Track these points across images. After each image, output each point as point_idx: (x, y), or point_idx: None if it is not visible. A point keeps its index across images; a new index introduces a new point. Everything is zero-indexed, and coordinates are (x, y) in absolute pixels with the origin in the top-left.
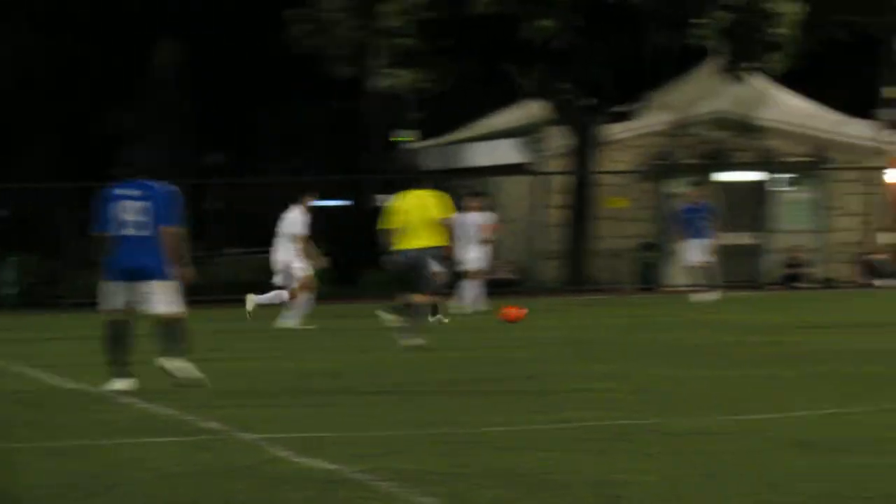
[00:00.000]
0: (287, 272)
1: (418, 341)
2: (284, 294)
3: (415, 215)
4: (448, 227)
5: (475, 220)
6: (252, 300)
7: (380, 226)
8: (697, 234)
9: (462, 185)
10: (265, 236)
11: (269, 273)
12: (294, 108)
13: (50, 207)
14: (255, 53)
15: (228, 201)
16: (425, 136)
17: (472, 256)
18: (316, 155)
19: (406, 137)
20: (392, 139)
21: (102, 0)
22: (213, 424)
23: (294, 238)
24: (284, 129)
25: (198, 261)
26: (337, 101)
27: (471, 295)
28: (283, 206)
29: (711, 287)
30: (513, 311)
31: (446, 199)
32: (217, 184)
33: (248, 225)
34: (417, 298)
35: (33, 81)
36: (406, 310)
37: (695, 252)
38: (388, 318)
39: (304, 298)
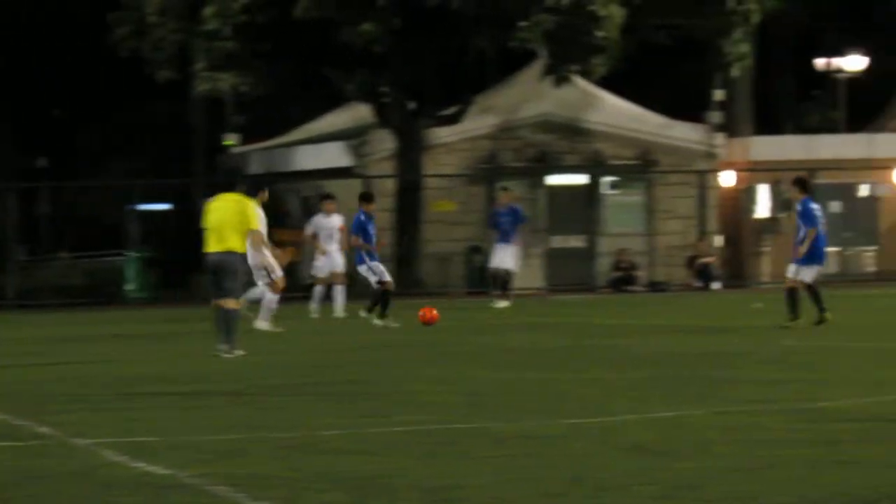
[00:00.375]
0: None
1: (238, 351)
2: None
3: (223, 218)
4: (256, 237)
5: (334, 222)
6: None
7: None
8: (504, 238)
9: (288, 189)
10: (96, 240)
11: (101, 276)
12: (121, 111)
13: None
14: (79, 56)
15: (57, 205)
16: (252, 140)
17: (337, 261)
18: (143, 158)
19: (231, 141)
20: (219, 143)
21: None
22: (46, 430)
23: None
24: (112, 132)
25: (28, 265)
26: (163, 105)
27: (340, 299)
28: (112, 209)
29: (505, 294)
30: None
31: (253, 207)
32: (43, 188)
33: (78, 229)
34: (228, 304)
35: None
36: (225, 315)
37: (503, 256)
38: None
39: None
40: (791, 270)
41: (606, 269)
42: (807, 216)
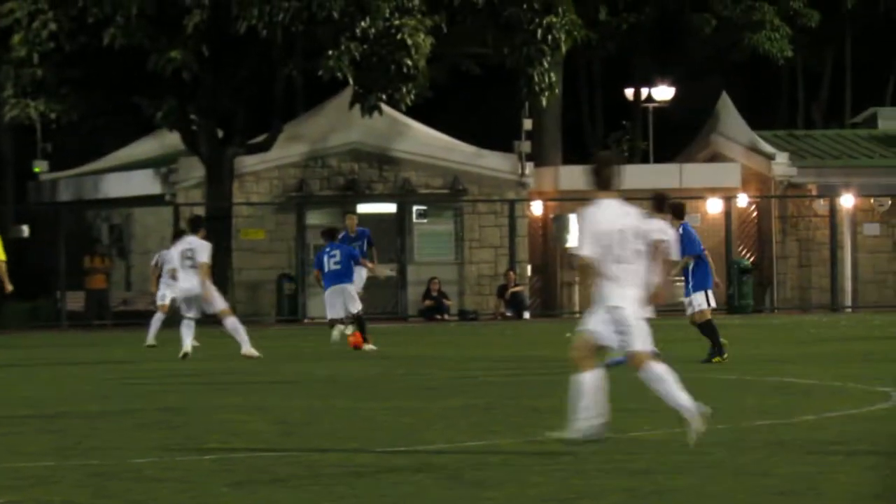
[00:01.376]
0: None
1: None
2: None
3: None
4: None
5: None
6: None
7: None
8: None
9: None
10: None
11: None
12: None
13: None
14: None
15: None
16: (62, 167)
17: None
18: None
19: (40, 168)
20: (28, 169)
21: None
22: None
23: (203, 266)
24: None
25: None
26: None
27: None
28: None
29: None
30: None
31: None
32: None
33: None
34: None
35: None
36: None
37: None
38: None
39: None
40: (693, 304)
41: (417, 298)
42: (689, 242)
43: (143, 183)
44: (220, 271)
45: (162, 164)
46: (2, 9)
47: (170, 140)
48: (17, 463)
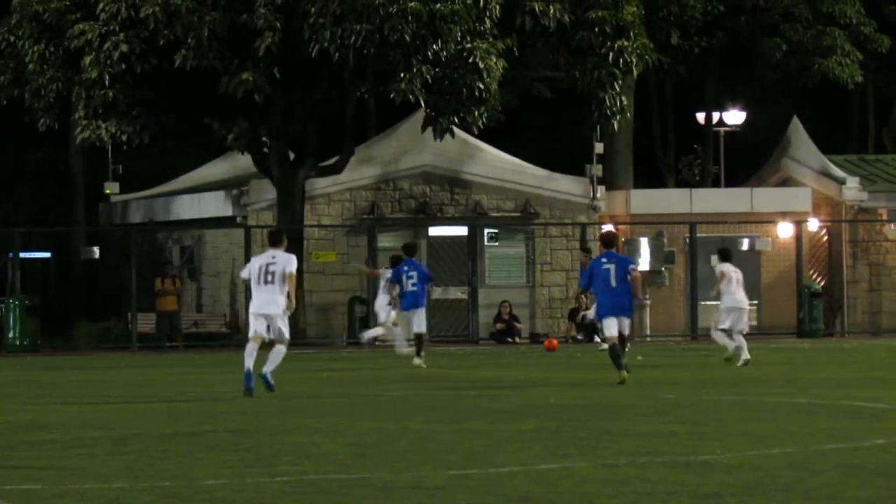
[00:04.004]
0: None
1: None
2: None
3: None
4: None
5: None
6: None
7: None
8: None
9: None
10: None
11: None
12: (3, 157)
13: None
14: None
15: None
16: (133, 189)
17: None
18: (23, 205)
19: (112, 189)
20: (100, 191)
21: None
22: None
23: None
24: None
25: None
26: (44, 152)
27: None
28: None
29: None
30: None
31: None
32: None
33: None
34: None
35: None
36: None
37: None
38: None
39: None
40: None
41: (488, 321)
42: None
43: (215, 205)
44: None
45: (233, 186)
46: (73, 30)
47: (241, 162)
48: (88, 484)
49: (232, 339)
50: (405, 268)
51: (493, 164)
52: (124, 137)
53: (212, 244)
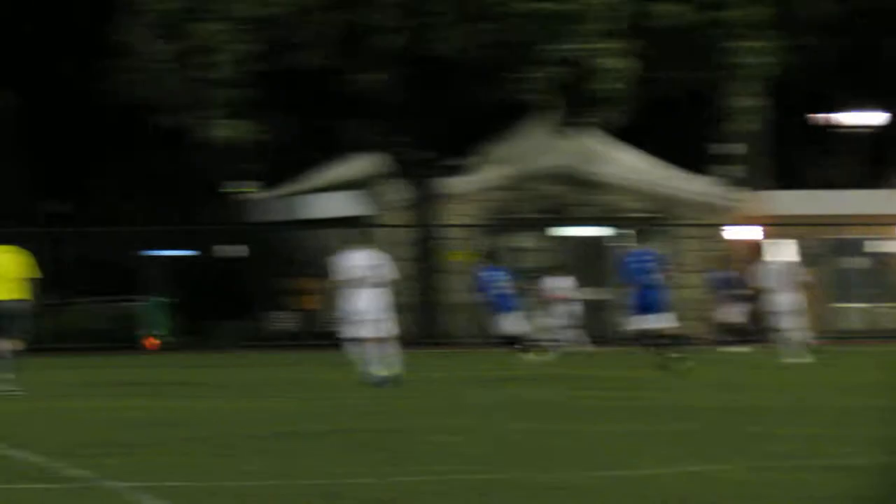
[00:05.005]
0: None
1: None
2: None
3: (8, 269)
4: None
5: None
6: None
7: None
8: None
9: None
10: (115, 285)
11: (121, 321)
12: (136, 157)
13: None
14: (93, 102)
15: (77, 249)
16: (268, 188)
17: None
18: (158, 204)
19: (246, 189)
20: (232, 190)
21: None
22: (80, 472)
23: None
24: (127, 177)
25: (55, 309)
26: (178, 151)
27: None
28: (130, 254)
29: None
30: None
31: (31, 258)
32: (65, 232)
33: (96, 273)
34: (14, 345)
35: None
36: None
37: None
38: None
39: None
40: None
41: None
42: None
43: (348, 204)
44: (427, 293)
45: (365, 185)
46: (206, 30)
47: (374, 162)
48: (239, 482)
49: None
50: (492, 273)
51: (627, 164)
52: (256, 136)
53: (347, 243)
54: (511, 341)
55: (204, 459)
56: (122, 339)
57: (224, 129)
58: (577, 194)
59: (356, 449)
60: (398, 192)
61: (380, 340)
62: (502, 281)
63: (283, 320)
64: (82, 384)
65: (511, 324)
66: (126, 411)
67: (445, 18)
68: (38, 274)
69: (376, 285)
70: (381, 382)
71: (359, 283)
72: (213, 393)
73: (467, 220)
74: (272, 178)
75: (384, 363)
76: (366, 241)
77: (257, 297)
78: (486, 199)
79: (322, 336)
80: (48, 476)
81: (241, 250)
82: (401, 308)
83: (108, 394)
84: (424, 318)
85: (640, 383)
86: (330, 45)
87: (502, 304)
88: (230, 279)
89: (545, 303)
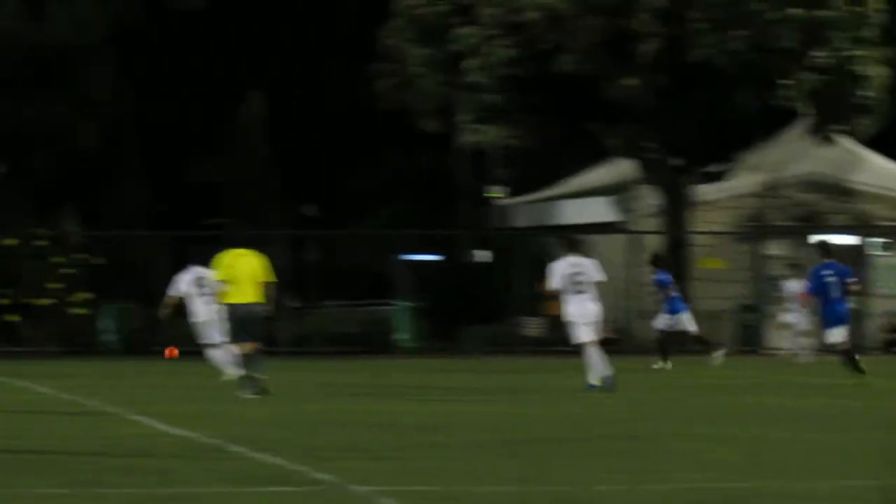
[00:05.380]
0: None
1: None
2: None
3: (246, 272)
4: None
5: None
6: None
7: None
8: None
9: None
10: (364, 289)
11: (370, 325)
12: (385, 161)
13: (145, 255)
14: (343, 106)
15: (324, 253)
16: (516, 193)
17: None
18: (409, 208)
19: (497, 194)
20: (484, 195)
21: (191, 52)
22: (323, 475)
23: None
24: (376, 181)
25: (299, 313)
26: (428, 156)
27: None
28: (378, 258)
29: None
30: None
31: (268, 262)
32: (312, 236)
33: (344, 277)
34: (249, 348)
35: (126, 131)
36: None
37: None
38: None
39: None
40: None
41: (877, 331)
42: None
43: (598, 210)
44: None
45: (617, 191)
46: (458, 33)
47: (625, 168)
48: (480, 487)
49: (619, 345)
50: (663, 276)
51: (881, 172)
52: (508, 142)
53: (598, 250)
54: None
55: (449, 464)
56: (368, 344)
57: (475, 135)
58: (830, 202)
59: (605, 455)
60: (649, 199)
61: (593, 345)
62: (672, 284)
63: (531, 326)
64: (326, 388)
65: (685, 323)
66: (370, 415)
67: (700, 25)
68: (274, 278)
69: (587, 291)
70: (595, 387)
71: (573, 289)
72: (459, 397)
73: (718, 228)
74: (522, 183)
75: (596, 368)
76: (576, 248)
77: (505, 302)
78: (738, 207)
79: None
80: (292, 479)
81: (487, 255)
82: (649, 315)
83: (352, 397)
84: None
85: (889, 393)
86: (583, 51)
87: (674, 307)
88: (478, 284)
89: (791, 306)
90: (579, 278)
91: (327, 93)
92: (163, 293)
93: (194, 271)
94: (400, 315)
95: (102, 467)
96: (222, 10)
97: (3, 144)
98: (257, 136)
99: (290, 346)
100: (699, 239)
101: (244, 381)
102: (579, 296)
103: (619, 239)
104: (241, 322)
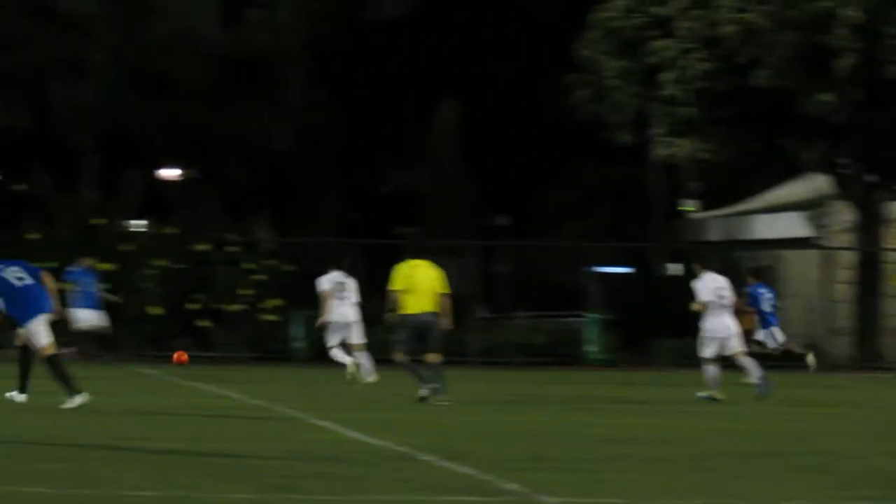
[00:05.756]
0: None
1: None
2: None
3: (423, 283)
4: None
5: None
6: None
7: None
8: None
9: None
10: (554, 300)
11: (559, 336)
12: (578, 172)
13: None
14: (537, 116)
15: (516, 264)
16: (709, 207)
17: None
18: (600, 220)
19: (689, 207)
20: (676, 208)
21: (386, 60)
22: (512, 486)
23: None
24: (568, 193)
25: (488, 323)
26: (620, 168)
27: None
28: (569, 270)
29: None
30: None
31: (442, 273)
32: (501, 246)
33: (537, 288)
34: (434, 358)
35: (320, 139)
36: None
37: None
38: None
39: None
40: None
41: None
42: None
43: (791, 225)
44: (868, 317)
45: (810, 207)
46: (653, 47)
47: (819, 183)
48: (668, 500)
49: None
50: (760, 289)
51: None
52: (702, 155)
53: (789, 265)
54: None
55: (638, 476)
56: (557, 355)
57: (669, 148)
58: None
59: (793, 471)
60: (843, 215)
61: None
62: (769, 298)
63: None
64: (516, 398)
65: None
66: (559, 426)
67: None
68: (449, 289)
69: (726, 307)
70: (705, 398)
71: (716, 304)
72: (648, 410)
73: None
74: (715, 196)
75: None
76: (711, 266)
77: (696, 315)
78: None
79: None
80: (482, 489)
81: (679, 269)
82: (842, 332)
83: (541, 408)
84: (865, 343)
85: None
86: (779, 65)
87: (768, 320)
88: (669, 297)
89: None
90: (722, 293)
91: (521, 102)
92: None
93: (334, 275)
94: (590, 327)
95: (292, 473)
96: (418, 18)
97: (198, 150)
98: (450, 144)
99: (480, 356)
100: (892, 256)
101: (420, 380)
102: (720, 311)
103: (811, 255)
104: (416, 332)
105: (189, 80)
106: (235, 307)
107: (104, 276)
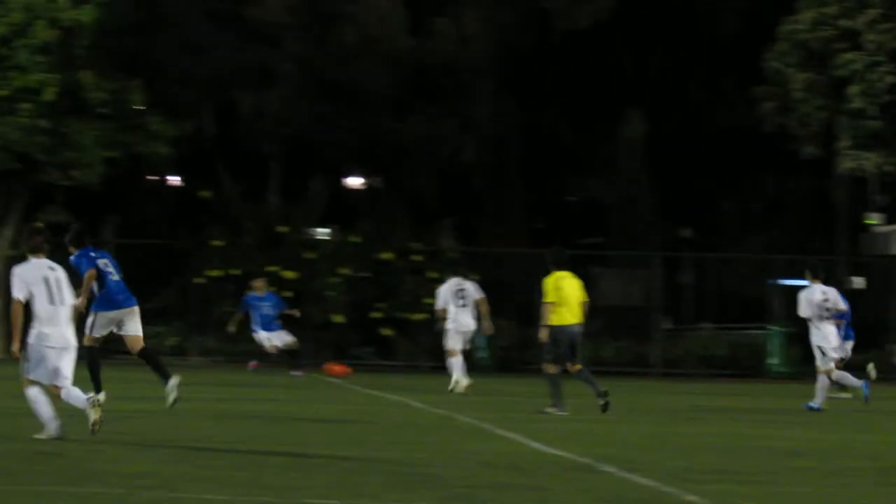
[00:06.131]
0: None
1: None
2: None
3: (572, 294)
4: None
5: None
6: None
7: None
8: None
9: None
10: (737, 312)
11: (741, 349)
12: (762, 184)
13: (520, 272)
14: (722, 128)
15: (700, 276)
16: (893, 220)
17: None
18: (784, 233)
19: (874, 220)
20: (861, 221)
21: (573, 71)
22: (694, 498)
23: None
24: (752, 205)
25: (672, 334)
26: (806, 181)
27: None
28: (752, 282)
29: None
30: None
31: (581, 283)
32: (686, 258)
33: (720, 300)
34: (577, 367)
35: (506, 149)
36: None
37: None
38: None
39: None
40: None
41: None
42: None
43: None
44: None
45: None
46: (840, 59)
47: None
48: None
49: None
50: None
51: None
52: (888, 168)
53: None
54: None
55: (823, 490)
56: (739, 367)
57: (855, 161)
58: None
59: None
60: None
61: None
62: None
63: None
64: (697, 410)
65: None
66: (742, 438)
67: None
68: (587, 298)
69: (832, 318)
70: (812, 408)
71: (819, 316)
72: (832, 423)
73: None
74: None
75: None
76: (822, 277)
77: (879, 330)
78: None
79: None
80: (663, 501)
81: (863, 282)
82: None
83: (723, 420)
84: None
85: None
86: None
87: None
88: (853, 311)
89: None
90: (827, 305)
91: (706, 114)
92: (537, 311)
93: (454, 282)
94: (772, 340)
95: (474, 483)
96: (606, 29)
97: (384, 159)
98: (636, 156)
99: (662, 367)
100: None
101: (556, 399)
102: (825, 322)
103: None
104: (569, 342)
105: (376, 90)
106: (419, 316)
107: (287, 284)
